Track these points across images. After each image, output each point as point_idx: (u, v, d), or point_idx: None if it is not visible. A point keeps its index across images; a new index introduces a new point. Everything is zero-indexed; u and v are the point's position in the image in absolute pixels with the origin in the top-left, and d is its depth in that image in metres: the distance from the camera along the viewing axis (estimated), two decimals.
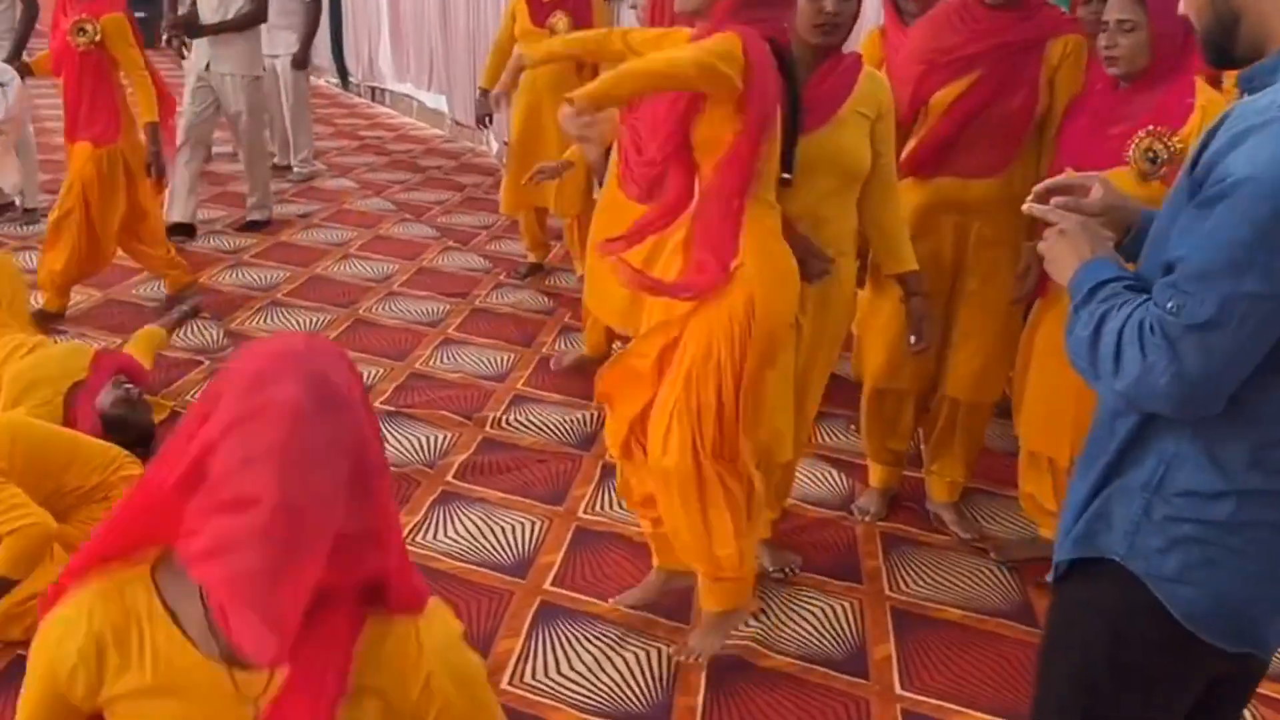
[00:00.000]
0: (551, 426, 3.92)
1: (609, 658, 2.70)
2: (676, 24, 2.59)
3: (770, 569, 3.02)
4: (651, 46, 2.44)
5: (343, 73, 11.18)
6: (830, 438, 3.87)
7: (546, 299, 5.22)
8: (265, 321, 4.82)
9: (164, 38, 5.59)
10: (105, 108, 4.44)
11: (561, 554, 3.14)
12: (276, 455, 1.06)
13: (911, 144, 3.00)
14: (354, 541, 1.14)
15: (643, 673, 2.65)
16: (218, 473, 1.08)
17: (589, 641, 2.76)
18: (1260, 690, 1.88)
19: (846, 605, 2.96)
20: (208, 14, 5.65)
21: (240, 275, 5.41)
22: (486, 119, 5.38)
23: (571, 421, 3.95)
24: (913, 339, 2.77)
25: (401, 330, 4.78)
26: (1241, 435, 1.39)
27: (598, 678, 2.63)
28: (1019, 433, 3.09)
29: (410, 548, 3.12)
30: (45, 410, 3.18)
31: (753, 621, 2.83)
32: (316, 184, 7.27)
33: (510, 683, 2.60)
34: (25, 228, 5.79)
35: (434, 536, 3.20)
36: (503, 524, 3.27)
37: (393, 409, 4.01)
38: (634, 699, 2.57)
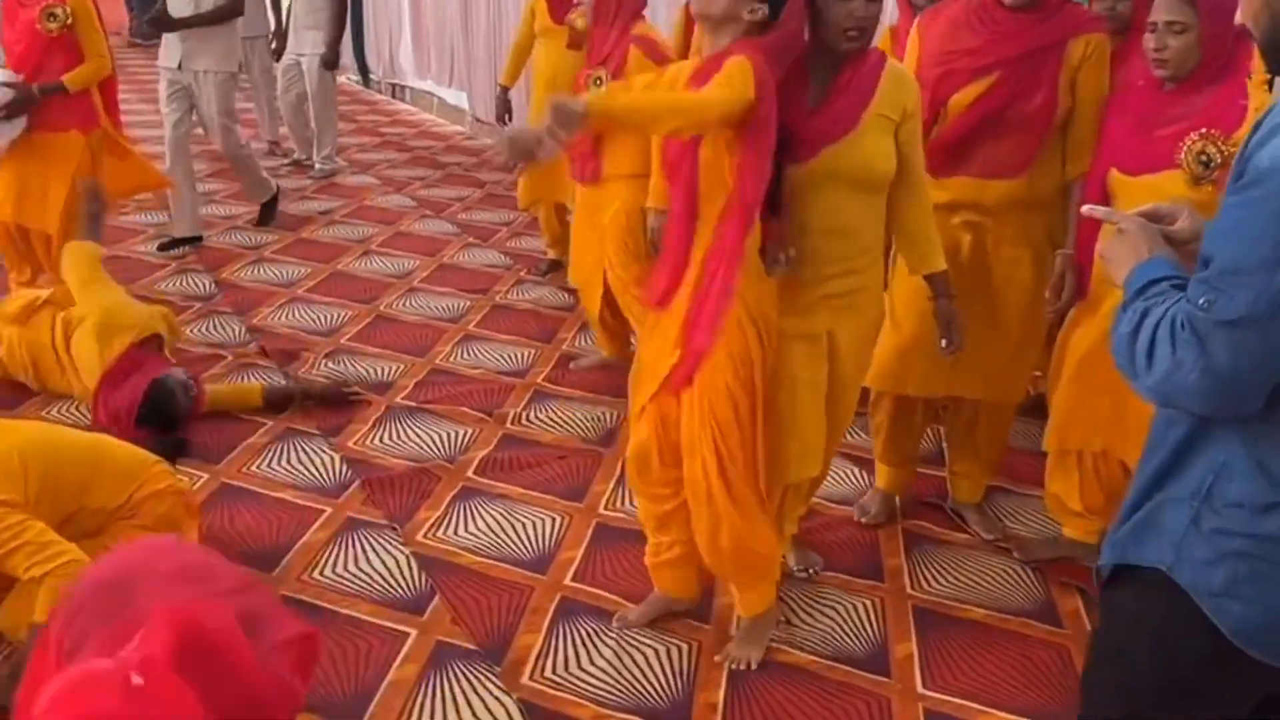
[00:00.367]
0: (572, 423, 3.92)
1: (630, 653, 2.69)
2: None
3: (794, 568, 3.01)
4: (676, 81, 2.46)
5: (364, 69, 11.21)
6: (852, 435, 3.83)
7: (567, 295, 5.21)
8: (286, 317, 4.83)
9: (133, 32, 5.40)
10: (84, 93, 4.45)
11: (582, 550, 3.13)
12: None
13: (927, 143, 2.96)
14: None
15: (663, 668, 2.65)
16: None
17: (610, 637, 2.75)
18: None
19: (868, 603, 2.94)
20: (179, 8, 5.37)
21: (261, 271, 5.43)
22: (507, 116, 5.39)
23: (592, 418, 3.95)
24: (943, 342, 2.70)
25: (422, 326, 4.79)
26: None
27: (619, 673, 2.62)
28: (1049, 431, 3.04)
29: (431, 543, 3.14)
30: (108, 346, 3.58)
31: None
32: (338, 180, 7.29)
33: (531, 678, 2.60)
34: None
35: (454, 532, 3.21)
36: (523, 520, 3.26)
37: (414, 405, 4.02)
38: (655, 694, 2.56)
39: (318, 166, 7.37)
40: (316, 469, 3.54)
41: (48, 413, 3.80)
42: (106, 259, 4.16)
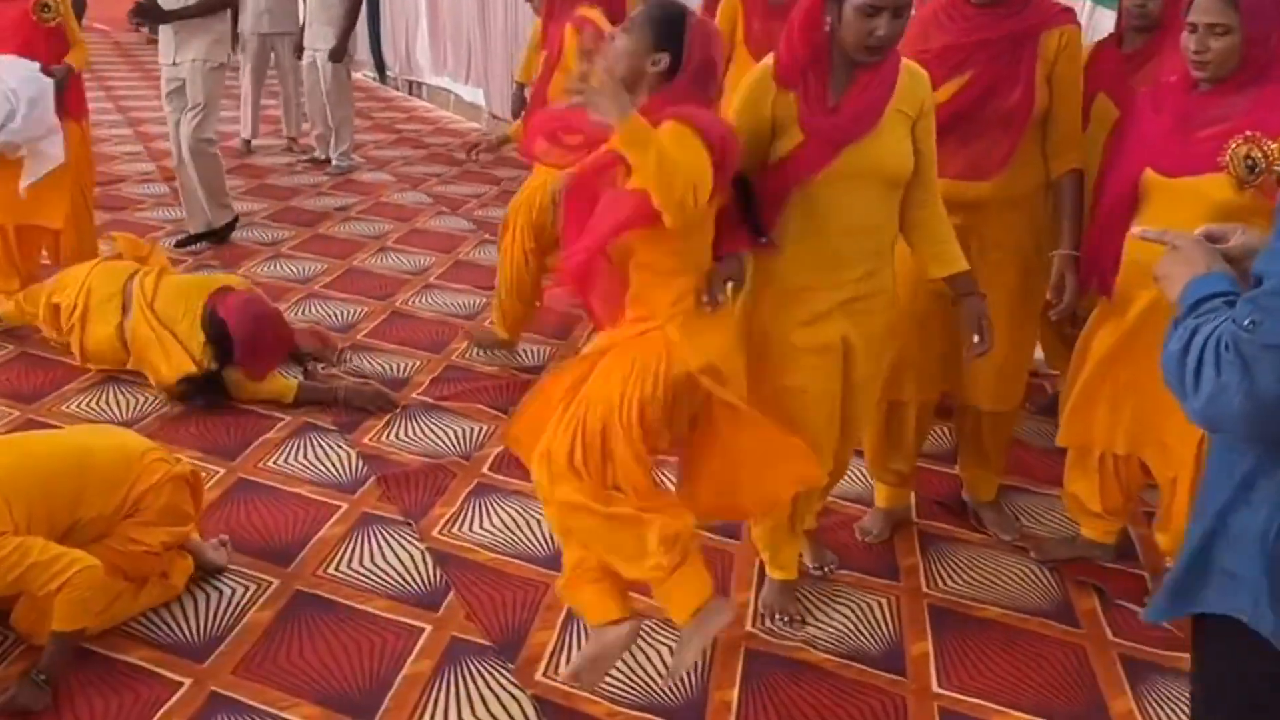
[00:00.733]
0: None
1: (644, 651, 2.69)
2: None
3: (810, 566, 3.00)
4: None
5: (380, 66, 11.23)
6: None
7: None
8: (303, 313, 4.84)
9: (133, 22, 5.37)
10: (76, 80, 4.47)
11: None
12: None
13: None
14: None
15: None
16: None
17: None
18: None
19: (884, 602, 2.94)
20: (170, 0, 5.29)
21: (278, 267, 5.45)
22: (523, 112, 5.39)
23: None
24: (976, 339, 2.61)
25: (438, 322, 4.80)
26: None
27: (633, 671, 2.62)
28: (1062, 430, 3.02)
29: (446, 539, 3.14)
30: (190, 316, 3.82)
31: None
32: (354, 177, 7.31)
33: (545, 674, 2.60)
34: None
35: (469, 528, 3.21)
36: (538, 516, 3.26)
37: (429, 401, 4.03)
38: (669, 692, 2.56)
39: (334, 163, 7.40)
40: (332, 464, 3.55)
41: (68, 407, 3.83)
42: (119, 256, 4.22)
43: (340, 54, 7.04)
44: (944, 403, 3.30)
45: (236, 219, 5.86)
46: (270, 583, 2.91)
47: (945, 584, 3.03)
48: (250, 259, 5.52)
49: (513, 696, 2.52)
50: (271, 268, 5.44)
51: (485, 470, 3.54)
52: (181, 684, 2.52)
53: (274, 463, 3.55)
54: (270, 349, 3.98)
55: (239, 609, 2.79)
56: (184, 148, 5.46)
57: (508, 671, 2.60)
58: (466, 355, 4.47)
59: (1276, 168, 2.42)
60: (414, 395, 4.07)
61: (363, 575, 2.97)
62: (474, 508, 3.32)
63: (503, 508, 3.32)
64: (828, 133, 2.40)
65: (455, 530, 3.19)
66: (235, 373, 3.88)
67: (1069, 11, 2.89)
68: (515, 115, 5.46)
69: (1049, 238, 2.94)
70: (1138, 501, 3.15)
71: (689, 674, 2.61)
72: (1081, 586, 3.03)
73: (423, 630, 2.75)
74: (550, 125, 2.41)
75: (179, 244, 5.60)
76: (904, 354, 2.89)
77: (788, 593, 2.87)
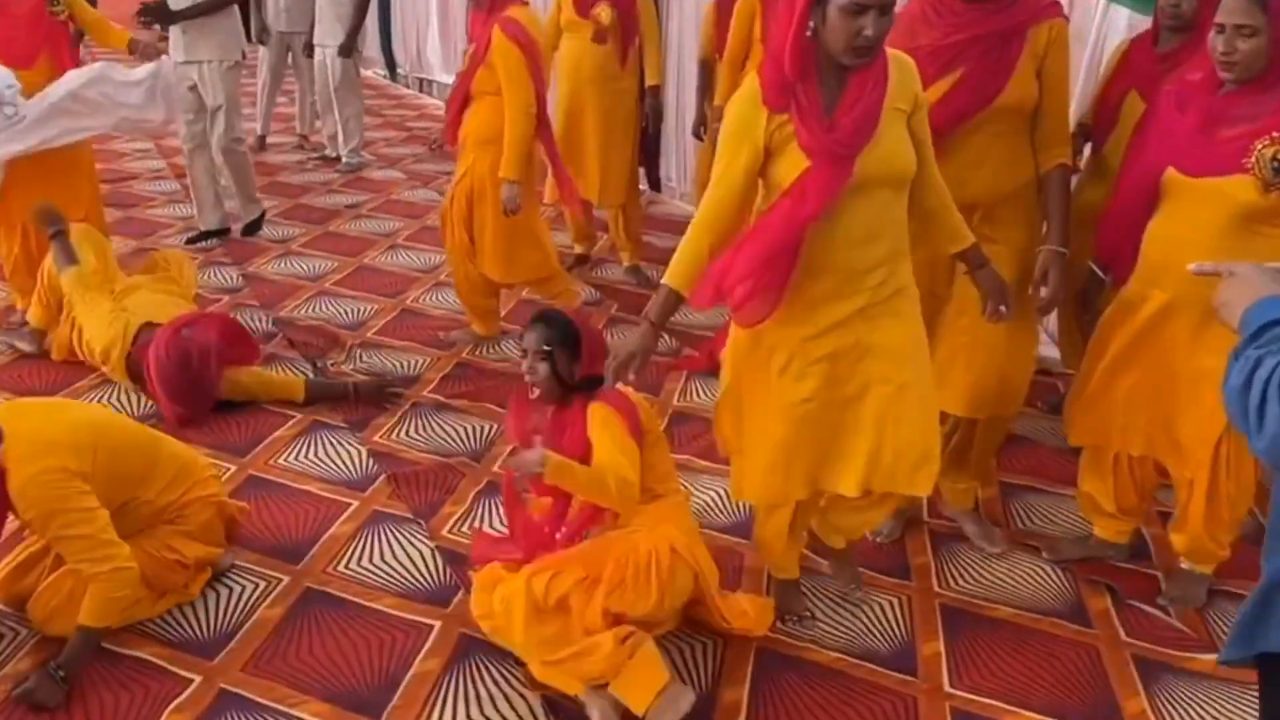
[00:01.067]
0: None
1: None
2: None
3: (836, 584, 2.96)
4: None
5: (391, 64, 11.24)
6: None
7: (593, 290, 5.21)
8: (313, 310, 4.85)
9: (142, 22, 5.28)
10: None
11: None
12: None
13: None
14: None
15: (687, 666, 2.63)
16: None
17: None
18: None
19: (895, 601, 2.92)
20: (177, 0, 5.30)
21: (288, 265, 5.45)
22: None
23: None
24: (1001, 308, 2.57)
25: (448, 320, 4.79)
26: None
27: None
28: (1074, 428, 2.99)
29: (455, 537, 3.14)
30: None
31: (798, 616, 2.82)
32: (364, 174, 7.32)
33: None
34: None
35: (479, 527, 3.20)
36: None
37: (439, 399, 4.02)
38: None
39: (344, 160, 7.40)
40: (343, 462, 3.55)
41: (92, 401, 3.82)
42: (136, 252, 4.20)
43: (349, 49, 7.04)
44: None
45: (264, 213, 5.93)
46: (280, 580, 2.91)
47: (957, 584, 3.02)
48: (261, 256, 5.53)
49: (521, 696, 2.51)
50: (282, 265, 5.44)
51: (495, 469, 3.53)
52: (191, 680, 2.52)
53: (284, 460, 3.55)
54: (184, 393, 3.76)
55: (249, 606, 2.79)
56: (214, 150, 5.53)
57: (517, 670, 2.59)
58: (476, 353, 4.46)
59: None
60: (424, 393, 4.07)
61: (372, 573, 2.97)
62: (483, 506, 3.32)
63: None
64: (832, 150, 2.27)
65: (464, 529, 3.19)
66: (238, 373, 3.88)
67: (1056, 5, 2.82)
68: None
69: (1039, 232, 2.89)
70: (1152, 501, 3.13)
71: (700, 672, 2.60)
72: (1094, 586, 3.01)
73: (432, 628, 2.74)
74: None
75: (189, 241, 5.62)
76: None
77: (792, 592, 2.86)
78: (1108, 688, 2.63)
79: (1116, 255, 2.78)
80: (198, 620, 2.73)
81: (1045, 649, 2.76)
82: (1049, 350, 4.26)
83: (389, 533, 3.15)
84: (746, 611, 2.67)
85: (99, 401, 3.86)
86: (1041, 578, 3.06)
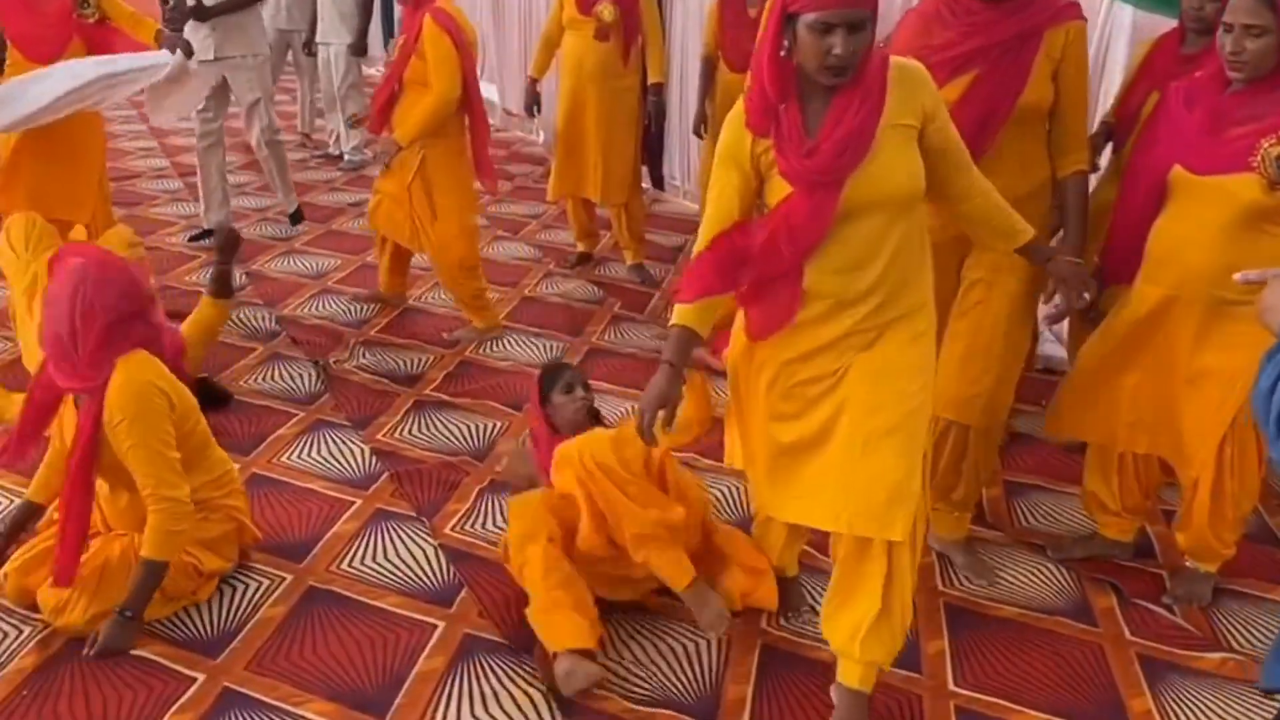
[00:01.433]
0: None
1: (657, 647, 2.68)
2: None
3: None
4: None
5: None
6: None
7: (596, 289, 5.21)
8: (316, 308, 4.84)
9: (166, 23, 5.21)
10: None
11: None
12: None
13: None
14: None
15: (691, 663, 2.63)
16: None
17: (637, 631, 2.74)
18: None
19: None
20: None
21: (291, 263, 5.45)
22: (535, 107, 5.40)
23: (620, 413, 3.93)
24: (1085, 297, 2.50)
25: (451, 318, 4.79)
26: None
27: (646, 667, 2.61)
28: (1062, 421, 2.97)
29: (459, 536, 3.14)
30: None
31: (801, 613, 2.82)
32: (367, 173, 7.29)
33: None
34: None
35: (482, 525, 3.20)
36: None
37: (443, 397, 4.02)
38: (682, 689, 2.55)
39: (347, 158, 7.40)
40: (346, 461, 3.55)
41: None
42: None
43: (361, 48, 7.05)
44: None
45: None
46: (283, 578, 2.91)
47: (961, 582, 3.01)
48: (263, 254, 5.53)
49: (526, 693, 2.51)
50: (284, 263, 5.44)
51: (498, 468, 3.53)
52: (195, 679, 2.52)
53: (287, 458, 3.55)
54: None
55: (252, 605, 2.79)
56: (255, 145, 5.66)
57: (521, 667, 2.59)
58: (479, 351, 4.46)
59: None
60: (427, 391, 4.07)
61: (376, 571, 2.96)
62: (487, 505, 3.31)
63: None
64: (808, 178, 2.12)
65: (468, 527, 3.19)
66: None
67: (1075, 6, 2.75)
68: (528, 110, 5.47)
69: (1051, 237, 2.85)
70: (1156, 500, 3.13)
71: (704, 669, 2.60)
72: (1099, 585, 3.00)
73: (436, 627, 2.74)
74: None
75: (193, 239, 5.61)
76: None
77: (791, 589, 2.86)
78: (1113, 686, 2.63)
79: (1124, 254, 2.76)
80: (201, 619, 2.73)
81: (1050, 648, 2.75)
82: (1056, 350, 4.25)
83: (392, 531, 3.15)
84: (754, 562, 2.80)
85: None
86: (1046, 576, 3.05)
